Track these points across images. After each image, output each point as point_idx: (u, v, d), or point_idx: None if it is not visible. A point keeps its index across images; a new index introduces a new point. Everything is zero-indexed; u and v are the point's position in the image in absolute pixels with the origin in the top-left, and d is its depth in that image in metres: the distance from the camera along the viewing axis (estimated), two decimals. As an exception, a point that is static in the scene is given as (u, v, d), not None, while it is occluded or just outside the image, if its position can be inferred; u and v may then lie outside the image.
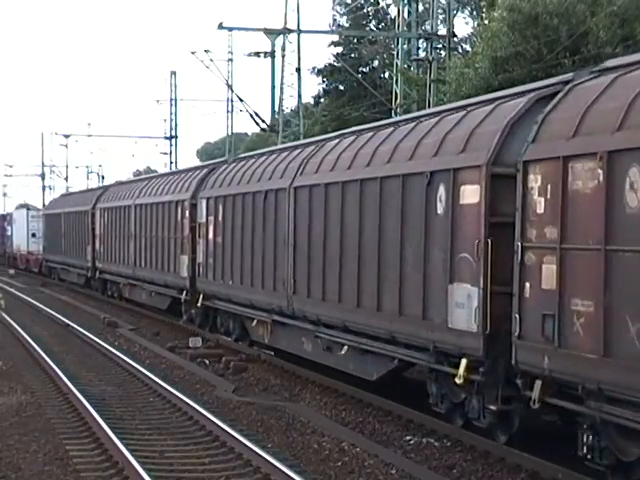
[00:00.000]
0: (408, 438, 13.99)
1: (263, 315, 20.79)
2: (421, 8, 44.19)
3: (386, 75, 55.05)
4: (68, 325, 28.81)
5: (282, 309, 19.34)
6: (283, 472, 11.40)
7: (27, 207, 69.83)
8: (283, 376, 19.69)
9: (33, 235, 62.41)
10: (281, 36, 44.18)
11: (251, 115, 42.24)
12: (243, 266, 21.90)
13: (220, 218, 23.72)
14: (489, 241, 12.20)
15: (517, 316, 11.58)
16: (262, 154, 24.24)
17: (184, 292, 27.17)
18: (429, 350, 13.81)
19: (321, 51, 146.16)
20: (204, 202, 25.15)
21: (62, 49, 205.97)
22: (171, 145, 65.53)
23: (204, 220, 25.00)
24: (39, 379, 19.38)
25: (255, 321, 21.56)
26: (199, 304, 25.39)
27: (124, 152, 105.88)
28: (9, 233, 70.79)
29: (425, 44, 40.10)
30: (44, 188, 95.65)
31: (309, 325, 18.22)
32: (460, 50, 44.19)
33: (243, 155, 27.89)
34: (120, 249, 35.33)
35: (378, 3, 59.62)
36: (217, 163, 28.79)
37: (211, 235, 24.35)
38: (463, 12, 52.59)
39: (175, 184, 29.77)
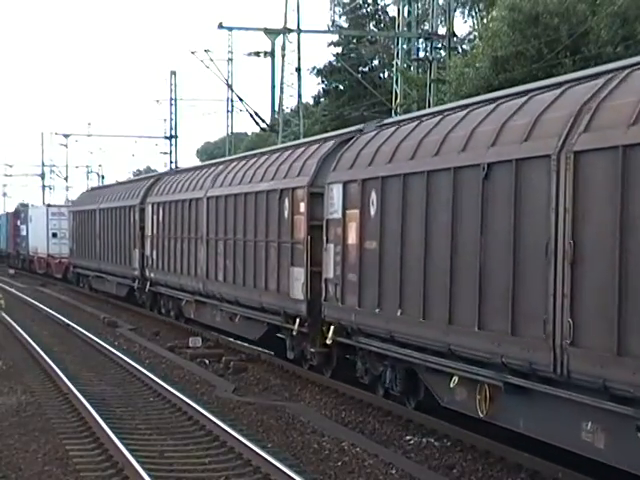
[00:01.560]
0: (408, 438, 13.98)
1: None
2: (421, 8, 44.17)
3: (386, 75, 55.07)
4: (68, 325, 28.80)
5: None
6: (283, 472, 11.40)
7: (47, 204, 62.99)
8: (283, 376, 19.68)
9: (54, 235, 54.81)
10: (281, 36, 44.22)
11: (251, 115, 42.31)
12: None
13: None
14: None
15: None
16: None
17: (298, 321, 18.74)
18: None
19: (321, 51, 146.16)
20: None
21: (62, 49, 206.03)
22: (171, 145, 65.52)
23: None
24: (39, 379, 19.38)
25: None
26: (328, 340, 17.63)
27: (124, 152, 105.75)
28: (24, 233, 61.94)
29: (425, 44, 40.11)
30: (44, 188, 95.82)
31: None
32: (460, 50, 44.18)
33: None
34: (184, 256, 27.20)
35: (377, 3, 59.64)
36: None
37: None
38: (463, 12, 52.55)
39: (279, 166, 20.98)
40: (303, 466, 12.23)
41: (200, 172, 28.18)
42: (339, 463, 12.55)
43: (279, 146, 25.29)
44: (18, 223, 64.85)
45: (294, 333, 18.84)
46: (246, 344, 23.11)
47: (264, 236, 20.58)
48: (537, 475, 11.76)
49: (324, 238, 17.22)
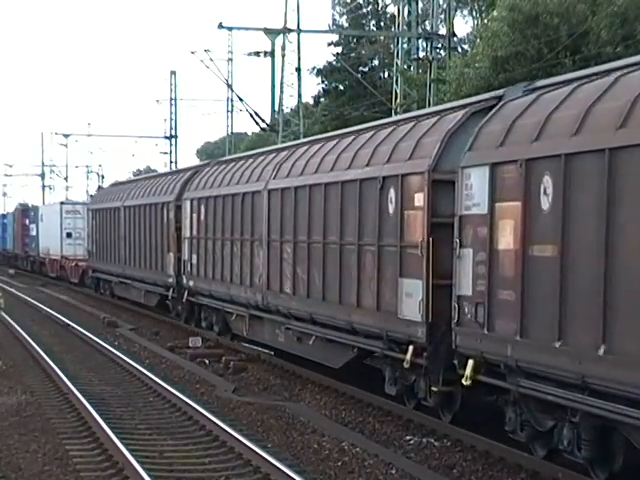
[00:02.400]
0: (408, 438, 13.98)
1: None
2: (421, 8, 44.17)
3: (386, 75, 55.06)
4: (68, 325, 28.80)
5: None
6: (283, 472, 11.40)
7: (61, 200, 56.66)
8: (283, 376, 19.68)
9: (68, 235, 49.56)
10: (281, 36, 44.22)
11: (251, 115, 42.31)
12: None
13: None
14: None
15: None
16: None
17: (411, 349, 14.44)
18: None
19: (321, 51, 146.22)
20: None
21: (62, 49, 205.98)
22: (171, 145, 65.55)
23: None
24: (39, 379, 19.37)
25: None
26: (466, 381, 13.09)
27: (124, 152, 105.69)
28: (33, 232, 57.64)
29: (425, 44, 40.09)
30: (44, 188, 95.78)
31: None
32: (460, 50, 44.19)
33: None
34: (235, 262, 22.66)
35: (377, 3, 59.64)
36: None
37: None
38: (462, 12, 52.57)
39: (377, 147, 16.36)
40: (303, 466, 12.23)
41: (256, 160, 23.24)
42: (339, 463, 12.55)
43: (369, 125, 18.84)
44: (26, 222, 60.42)
45: (406, 364, 14.52)
46: (246, 344, 23.10)
47: (355, 238, 16.13)
48: (537, 475, 11.76)
49: (456, 241, 12.99)
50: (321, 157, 18.41)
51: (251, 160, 23.73)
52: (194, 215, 25.94)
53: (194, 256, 25.94)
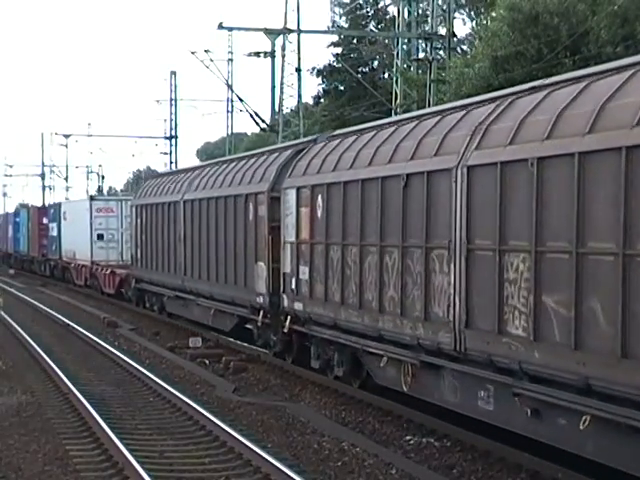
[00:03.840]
0: (408, 438, 13.98)
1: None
2: (421, 8, 44.20)
3: (386, 75, 55.08)
4: (68, 325, 28.80)
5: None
6: (283, 472, 11.40)
7: (90, 195, 49.77)
8: (283, 376, 19.68)
9: (100, 237, 42.00)
10: (281, 36, 44.22)
11: (251, 115, 42.23)
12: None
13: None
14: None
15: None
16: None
17: None
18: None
19: (321, 51, 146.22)
20: None
21: (62, 49, 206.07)
22: (171, 145, 65.53)
23: None
24: (39, 379, 19.38)
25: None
26: None
27: (124, 152, 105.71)
28: (54, 233, 50.00)
29: (425, 44, 40.11)
30: (44, 188, 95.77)
31: None
32: (460, 50, 44.20)
33: None
34: (388, 281, 14.82)
35: (377, 3, 59.66)
36: None
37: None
38: (462, 11, 52.56)
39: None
40: (303, 466, 12.23)
41: (443, 121, 14.32)
42: (339, 463, 12.55)
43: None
44: (44, 221, 53.07)
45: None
46: (245, 344, 23.07)
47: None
48: (537, 475, 11.76)
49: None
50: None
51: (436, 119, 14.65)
52: (305, 210, 18.13)
53: (304, 269, 18.11)
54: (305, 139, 22.64)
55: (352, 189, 16.02)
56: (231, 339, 24.51)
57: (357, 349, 16.32)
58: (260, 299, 20.64)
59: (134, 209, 33.46)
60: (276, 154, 21.81)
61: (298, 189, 18.52)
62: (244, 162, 23.68)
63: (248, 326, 22.70)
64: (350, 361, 17.08)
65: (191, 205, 26.32)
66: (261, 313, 20.70)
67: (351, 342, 16.40)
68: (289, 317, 18.95)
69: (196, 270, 25.64)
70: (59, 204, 52.23)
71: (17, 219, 63.55)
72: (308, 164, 18.66)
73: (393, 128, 16.03)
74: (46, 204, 76.08)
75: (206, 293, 24.92)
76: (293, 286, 18.64)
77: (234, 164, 24.51)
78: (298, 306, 18.48)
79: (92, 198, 44.50)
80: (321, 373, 18.28)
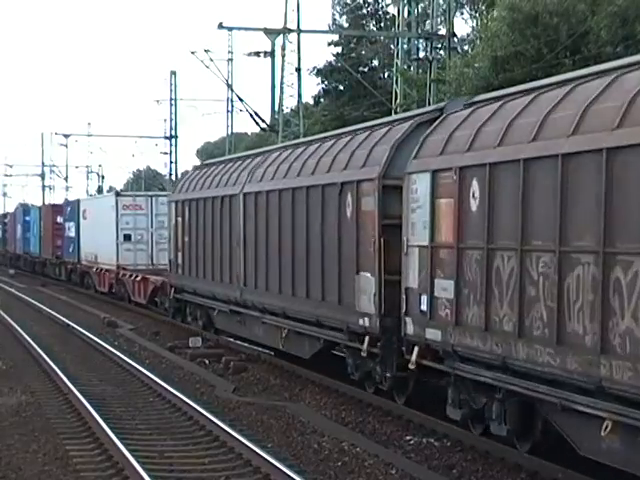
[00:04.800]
0: (408, 438, 13.98)
1: None
2: (421, 8, 44.22)
3: (386, 75, 55.09)
4: (68, 325, 28.80)
5: None
6: (283, 472, 11.40)
7: (116, 191, 44.78)
8: (283, 376, 19.68)
9: (126, 238, 36.78)
10: (281, 36, 44.19)
11: (251, 115, 42.27)
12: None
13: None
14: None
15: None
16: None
17: None
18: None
19: (321, 51, 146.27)
20: None
21: (62, 49, 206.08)
22: (171, 145, 65.46)
23: None
24: (39, 379, 19.38)
25: None
26: None
27: (124, 152, 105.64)
28: (71, 233, 45.39)
29: (425, 44, 40.12)
30: (44, 188, 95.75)
31: None
32: (460, 50, 44.20)
33: None
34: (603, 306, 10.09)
35: (378, 3, 59.68)
36: None
37: None
38: (462, 12, 52.59)
39: None
40: (303, 466, 12.23)
41: None
42: (339, 463, 12.55)
43: None
44: (59, 220, 48.74)
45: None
46: (246, 344, 23.07)
47: None
48: (537, 475, 11.76)
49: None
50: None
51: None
52: (446, 202, 13.42)
53: (445, 283, 13.39)
54: (424, 109, 17.27)
55: (539, 169, 11.34)
56: (244, 344, 22.88)
57: (540, 401, 11.63)
58: (364, 321, 15.72)
59: (173, 206, 27.82)
60: (384, 129, 16.62)
61: (434, 173, 13.63)
62: (331, 143, 18.62)
63: (337, 353, 19.02)
64: (519, 416, 12.41)
65: (254, 199, 20.96)
66: (366, 340, 15.69)
67: (533, 392, 11.58)
68: (416, 348, 14.15)
69: (261, 280, 20.55)
70: (77, 201, 46.65)
71: (27, 218, 59.01)
72: (448, 139, 13.72)
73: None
74: (46, 202, 75.67)
75: (276, 309, 19.79)
76: (424, 306, 13.85)
77: (316, 146, 19.36)
78: (433, 334, 13.63)
79: (118, 194, 39.01)
80: (464, 427, 13.73)
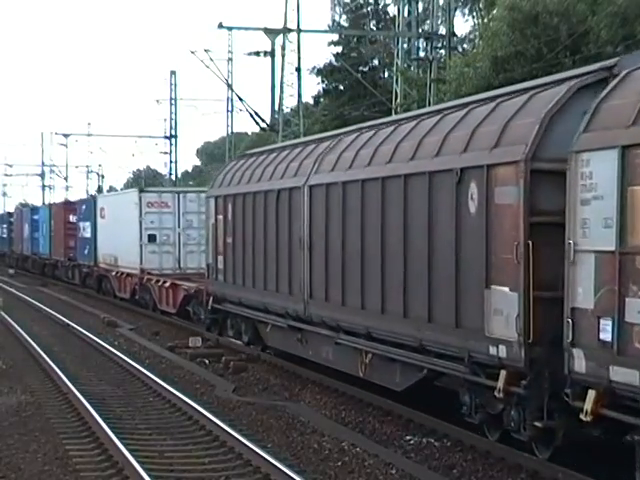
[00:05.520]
0: (408, 438, 13.98)
1: None
2: (421, 8, 44.22)
3: (386, 75, 55.08)
4: (68, 325, 28.79)
5: None
6: (283, 472, 11.40)
7: (140, 187, 38.88)
8: (283, 376, 19.67)
9: (151, 239, 33.18)
10: (281, 35, 44.20)
11: (251, 115, 42.32)
12: None
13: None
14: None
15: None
16: None
17: None
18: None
19: (321, 51, 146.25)
20: None
21: (62, 49, 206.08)
22: (171, 145, 65.52)
23: None
24: (39, 379, 19.37)
25: None
26: None
27: (124, 152, 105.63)
28: (87, 234, 41.81)
29: (425, 44, 40.11)
30: (44, 188, 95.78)
31: None
32: (460, 50, 44.20)
33: None
34: None
35: (378, 3, 59.67)
36: None
37: None
38: (463, 11, 52.60)
39: None
40: (303, 466, 12.23)
41: None
42: (339, 463, 12.54)
43: None
44: (72, 219, 45.51)
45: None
46: (240, 343, 23.03)
47: None
48: (537, 475, 11.75)
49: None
50: None
51: None
52: None
53: None
54: (581, 70, 12.79)
55: None
56: (233, 340, 23.57)
57: None
58: (498, 350, 12.21)
59: (212, 202, 23.73)
60: (518, 99, 13.07)
61: (625, 150, 9.99)
62: (434, 120, 14.75)
63: (440, 384, 15.65)
64: None
65: (325, 192, 17.19)
66: (502, 375, 12.14)
67: None
68: (592, 392, 10.44)
69: (336, 292, 16.77)
70: (94, 198, 43.14)
71: (35, 217, 55.84)
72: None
73: None
74: (46, 202, 75.19)
75: (356, 328, 16.12)
76: (606, 335, 10.26)
77: (411, 125, 15.47)
78: (624, 375, 9.96)
79: (142, 190, 34.95)
80: None
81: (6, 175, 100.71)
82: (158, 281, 31.30)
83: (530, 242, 11.39)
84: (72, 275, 45.99)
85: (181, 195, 33.80)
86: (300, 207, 18.16)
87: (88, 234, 41.43)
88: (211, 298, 24.02)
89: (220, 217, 22.96)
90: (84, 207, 43.47)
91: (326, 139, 19.26)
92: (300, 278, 18.18)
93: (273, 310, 19.86)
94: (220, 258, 22.95)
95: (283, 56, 46.75)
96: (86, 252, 41.69)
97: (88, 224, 41.55)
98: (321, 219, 17.29)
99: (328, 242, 17.00)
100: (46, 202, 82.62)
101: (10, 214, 71.77)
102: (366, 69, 56.98)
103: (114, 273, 36.96)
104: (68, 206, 48.28)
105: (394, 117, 17.17)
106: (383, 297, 15.04)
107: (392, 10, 54.41)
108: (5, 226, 69.86)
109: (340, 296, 16.52)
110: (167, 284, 30.39)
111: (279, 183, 19.46)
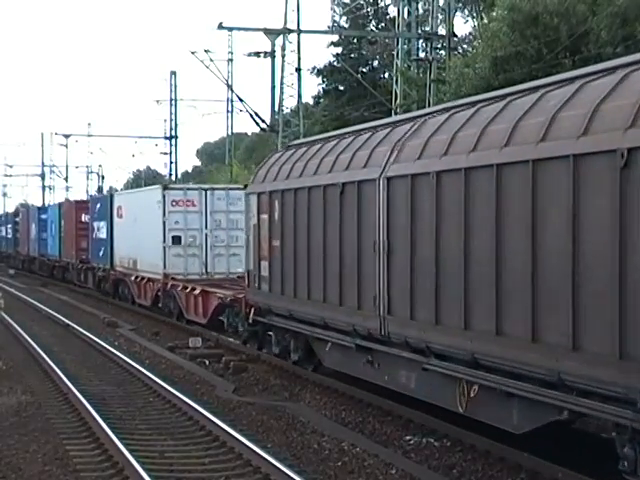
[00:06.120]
0: (408, 438, 13.98)
1: None
2: (421, 8, 44.23)
3: (386, 75, 55.10)
4: (68, 325, 28.80)
5: None
6: (283, 472, 11.40)
7: (164, 184, 36.33)
8: (283, 376, 19.67)
9: (176, 241, 30.04)
10: (281, 36, 44.19)
11: (251, 115, 42.22)
12: None
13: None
14: None
15: None
16: None
17: None
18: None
19: (321, 51, 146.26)
20: None
21: (62, 49, 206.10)
22: (171, 145, 65.54)
23: None
24: (39, 379, 19.38)
25: None
26: None
27: (124, 152, 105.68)
28: (102, 234, 38.92)
29: (425, 44, 40.14)
30: (44, 188, 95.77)
31: None
32: (460, 50, 44.23)
33: None
34: None
35: (378, 3, 59.68)
36: None
37: None
38: (463, 12, 52.61)
39: None
40: (303, 466, 12.23)
41: None
42: (339, 463, 12.55)
43: None
44: (84, 218, 43.04)
45: None
46: (238, 341, 23.01)
47: None
48: (537, 475, 11.75)
49: None
50: None
51: None
52: None
53: None
54: None
55: None
56: (231, 340, 24.02)
57: None
58: None
59: (254, 199, 20.40)
60: None
61: None
62: (576, 86, 11.33)
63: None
64: None
65: (409, 185, 13.90)
66: None
67: None
68: None
69: (426, 308, 13.44)
70: (110, 196, 39.90)
71: (43, 216, 53.12)
72: None
73: None
74: (47, 203, 74.85)
75: (458, 353, 12.83)
76: None
77: (537, 95, 12.05)
78: None
79: (166, 187, 31.74)
80: None
81: (6, 175, 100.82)
82: (186, 288, 28.30)
83: None
84: (85, 279, 43.19)
85: (208, 192, 30.74)
86: (374, 204, 14.78)
87: (103, 235, 38.67)
88: (252, 309, 20.99)
89: (264, 216, 19.71)
90: (99, 205, 40.53)
91: (403, 122, 15.94)
92: (374, 290, 14.81)
93: (334, 326, 16.64)
94: (264, 264, 19.74)
95: (283, 56, 46.78)
96: (101, 254, 39.03)
97: (103, 224, 38.78)
98: (404, 218, 13.97)
99: (414, 246, 13.74)
100: (46, 202, 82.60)
101: (15, 213, 69.08)
102: (366, 70, 57.03)
103: (133, 278, 34.10)
104: (80, 204, 45.65)
105: (503, 91, 13.80)
106: (498, 315, 11.71)
107: (392, 11, 54.43)
108: (10, 226, 67.28)
109: (432, 313, 13.22)
110: (197, 291, 27.27)
111: (343, 176, 16.16)
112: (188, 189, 31.34)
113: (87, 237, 42.11)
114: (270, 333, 20.57)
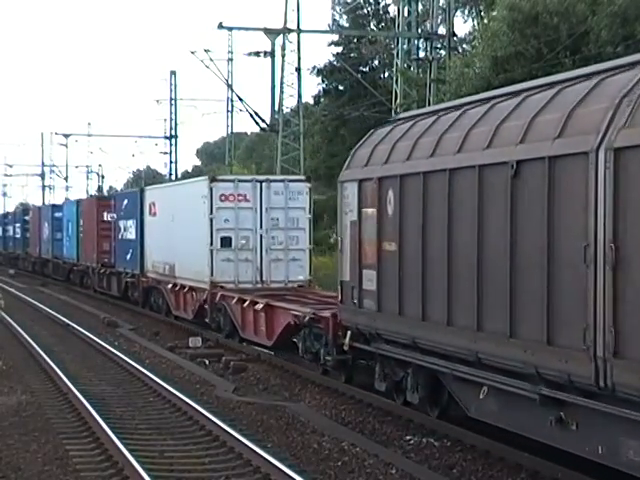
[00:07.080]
0: (408, 438, 13.97)
1: None
2: (421, 8, 44.23)
3: (386, 75, 55.09)
4: (68, 325, 28.79)
5: None
6: (283, 472, 11.40)
7: (212, 176, 27.93)
8: (283, 376, 19.67)
9: (225, 243, 25.27)
10: (281, 36, 44.18)
11: (251, 115, 42.27)
12: None
13: None
14: None
15: None
16: None
17: None
18: None
19: (321, 51, 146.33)
20: None
21: (62, 49, 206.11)
22: (171, 145, 65.53)
23: None
24: (39, 379, 19.37)
25: None
26: None
27: (124, 152, 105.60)
28: (131, 235, 33.95)
29: (425, 44, 40.13)
30: (44, 188, 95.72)
31: None
32: (460, 50, 44.22)
33: None
34: None
35: (378, 3, 59.69)
36: None
37: None
38: (463, 12, 52.61)
39: None
40: (303, 466, 12.23)
41: None
42: (339, 463, 12.54)
43: None
44: (106, 216, 38.59)
45: None
46: (244, 343, 23.02)
47: None
48: (537, 475, 11.76)
49: None
50: None
51: None
52: None
53: None
54: None
55: None
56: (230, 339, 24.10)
57: None
58: None
59: (354, 189, 15.76)
60: None
61: None
62: None
63: None
64: None
65: None
66: None
67: None
68: None
69: None
70: (140, 191, 33.92)
71: (58, 214, 48.54)
72: None
73: None
74: (49, 201, 74.45)
75: None
76: None
77: None
78: None
79: (214, 179, 26.16)
80: None
81: (6, 175, 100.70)
82: (243, 300, 23.23)
83: None
84: (107, 285, 38.19)
85: (264, 184, 25.61)
86: (583, 190, 10.09)
87: (131, 235, 33.63)
88: (348, 333, 16.56)
89: (370, 211, 15.18)
90: (125, 202, 35.20)
91: (620, 68, 10.96)
92: (582, 318, 10.10)
93: (497, 365, 11.93)
94: (369, 274, 15.27)
95: (283, 56, 46.73)
96: (128, 257, 34.10)
97: (131, 223, 33.75)
98: None
99: None
100: (46, 202, 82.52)
101: (25, 211, 63.52)
102: (366, 69, 57.01)
103: (170, 286, 29.13)
104: (102, 201, 40.67)
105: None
106: None
107: (392, 10, 54.43)
108: (19, 225, 61.72)
109: None
110: (259, 306, 22.07)
111: (516, 152, 11.33)
112: (240, 181, 25.99)
113: (110, 238, 37.61)
114: (366, 362, 16.65)
